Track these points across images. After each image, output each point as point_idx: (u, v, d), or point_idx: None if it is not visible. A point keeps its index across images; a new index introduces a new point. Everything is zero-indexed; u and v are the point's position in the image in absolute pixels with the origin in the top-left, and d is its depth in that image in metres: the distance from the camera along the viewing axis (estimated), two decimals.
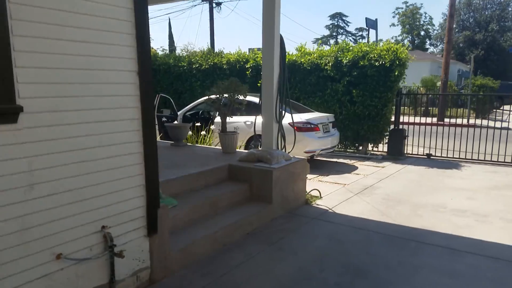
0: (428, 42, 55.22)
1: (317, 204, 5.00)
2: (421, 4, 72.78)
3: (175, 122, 7.73)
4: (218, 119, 7.29)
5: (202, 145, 6.57)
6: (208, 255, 3.43)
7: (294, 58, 9.02)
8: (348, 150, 9.11)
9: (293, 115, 5.60)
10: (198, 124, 7.14)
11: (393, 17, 56.79)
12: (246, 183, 4.53)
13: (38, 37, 2.09)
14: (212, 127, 7.23)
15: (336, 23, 59.36)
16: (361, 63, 8.22)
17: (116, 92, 2.52)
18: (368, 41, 19.13)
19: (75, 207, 2.34)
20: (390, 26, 71.67)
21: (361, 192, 5.63)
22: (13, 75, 1.98)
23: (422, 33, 55.01)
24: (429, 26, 54.68)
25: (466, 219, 4.44)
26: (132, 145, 2.64)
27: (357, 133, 8.60)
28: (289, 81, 7.70)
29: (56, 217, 2.25)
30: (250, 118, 7.17)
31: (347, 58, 8.39)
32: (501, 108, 23.90)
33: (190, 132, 6.70)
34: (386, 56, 7.98)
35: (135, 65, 2.60)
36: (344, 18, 58.94)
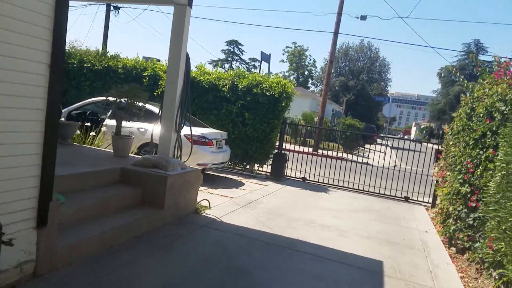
0: (310, 81, 61.47)
1: (206, 214, 5.25)
2: (307, 47, 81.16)
3: (61, 119, 7.19)
4: (110, 121, 7.04)
5: (91, 146, 6.27)
6: (95, 255, 3.38)
7: (193, 75, 9.31)
8: (237, 168, 9.65)
9: (191, 128, 5.82)
10: (88, 124, 6.79)
11: (283, 54, 61.70)
12: (139, 188, 4.54)
13: None
14: (103, 129, 6.94)
15: (232, 49, 61.90)
16: (255, 90, 8.96)
17: (25, 81, 2.47)
18: (260, 72, 20.53)
19: None
20: (279, 61, 77.57)
21: (246, 205, 6.10)
22: None
23: (306, 72, 61.02)
24: (312, 68, 61.08)
25: (331, 233, 5.22)
26: (34, 134, 2.58)
27: (246, 153, 9.21)
28: None
29: None
30: (143, 125, 7.13)
31: (243, 84, 9.05)
32: (364, 146, 27.97)
33: (78, 132, 6.34)
34: (276, 88, 8.87)
35: (48, 58, 2.61)
36: (239, 46, 61.92)
